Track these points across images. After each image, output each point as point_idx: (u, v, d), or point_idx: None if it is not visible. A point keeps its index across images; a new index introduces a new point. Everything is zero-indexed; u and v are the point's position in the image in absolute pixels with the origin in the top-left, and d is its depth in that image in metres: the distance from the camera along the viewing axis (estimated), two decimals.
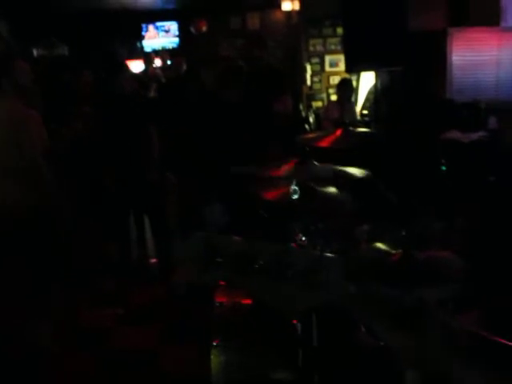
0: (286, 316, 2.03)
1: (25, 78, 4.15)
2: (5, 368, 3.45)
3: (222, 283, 2.29)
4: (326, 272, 1.11)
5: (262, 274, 1.04)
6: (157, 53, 9.97)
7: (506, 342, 1.19)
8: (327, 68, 10.12)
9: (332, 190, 2.52)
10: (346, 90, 6.52)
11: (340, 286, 1.08)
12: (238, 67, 5.03)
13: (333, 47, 9.98)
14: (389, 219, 2.52)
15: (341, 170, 2.65)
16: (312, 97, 10.10)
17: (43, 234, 4.18)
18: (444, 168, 4.16)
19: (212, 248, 1.08)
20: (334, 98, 9.07)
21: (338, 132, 3.19)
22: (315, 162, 2.60)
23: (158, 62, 9.30)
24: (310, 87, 10.12)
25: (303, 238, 2.33)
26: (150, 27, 10.55)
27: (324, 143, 3.12)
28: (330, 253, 1.83)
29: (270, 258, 1.06)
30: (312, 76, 10.12)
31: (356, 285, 1.25)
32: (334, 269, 1.16)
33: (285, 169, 2.56)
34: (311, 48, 10.12)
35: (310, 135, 4.10)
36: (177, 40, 10.54)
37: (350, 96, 6.75)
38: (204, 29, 10.13)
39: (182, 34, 10.46)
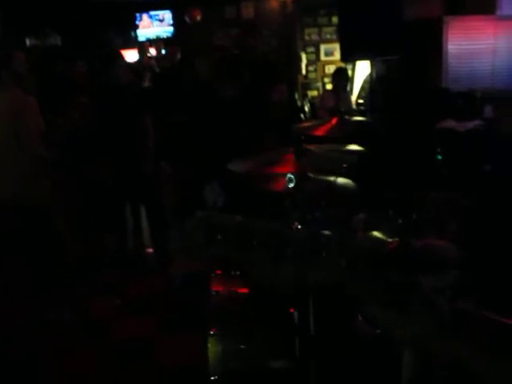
0: (284, 294, 2.02)
1: (22, 67, 4.17)
2: (6, 364, 3.47)
3: (219, 272, 2.29)
4: (323, 251, 1.12)
5: (262, 252, 1.04)
6: (151, 42, 9.90)
7: (497, 319, 1.19)
8: (322, 57, 10.09)
9: (328, 178, 2.51)
10: (342, 79, 6.50)
11: (336, 265, 1.09)
12: (234, 56, 5.00)
13: (328, 36, 9.95)
14: (386, 207, 2.51)
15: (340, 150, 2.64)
16: (307, 86, 10.08)
17: (42, 226, 4.18)
18: (440, 157, 4.16)
19: (212, 226, 1.08)
20: (329, 87, 9.05)
21: (334, 121, 3.19)
22: (312, 148, 2.56)
23: (152, 52, 9.24)
24: (306, 76, 10.10)
25: (299, 227, 2.33)
26: (144, 16, 10.47)
27: (319, 132, 3.12)
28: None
29: (270, 237, 1.06)
30: (307, 65, 10.09)
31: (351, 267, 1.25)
32: (330, 248, 1.16)
33: (287, 163, 2.53)
34: (306, 37, 10.08)
35: (306, 124, 4.09)
36: (171, 29, 10.47)
37: (346, 85, 6.73)
38: (198, 18, 10.06)
39: (177, 23, 10.38)
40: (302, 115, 7.88)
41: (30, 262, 4.20)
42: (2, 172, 4.10)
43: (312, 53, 10.09)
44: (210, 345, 2.14)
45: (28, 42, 9.10)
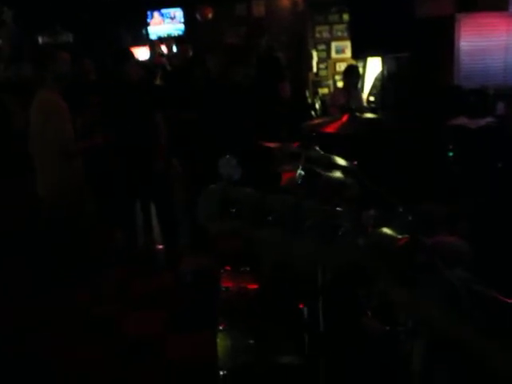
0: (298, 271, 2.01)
1: (66, 68, 4.19)
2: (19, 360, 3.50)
3: (228, 268, 2.30)
4: (340, 225, 1.11)
5: (277, 226, 1.04)
6: (162, 40, 9.92)
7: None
8: (333, 55, 10.06)
9: (336, 174, 2.51)
10: (353, 76, 6.47)
11: (353, 240, 1.08)
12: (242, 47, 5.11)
13: (339, 34, 9.91)
14: (396, 203, 2.50)
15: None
16: (318, 83, 10.05)
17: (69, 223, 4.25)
18: (451, 154, 4.14)
19: (226, 199, 1.08)
20: (340, 84, 9.02)
21: (345, 118, 3.18)
22: (317, 148, 2.59)
23: (163, 49, 9.26)
24: (317, 74, 10.07)
25: None
26: (155, 14, 10.48)
27: (330, 129, 3.11)
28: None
29: (285, 210, 1.06)
30: (318, 63, 10.06)
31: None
32: (347, 223, 1.15)
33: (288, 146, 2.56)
34: (317, 35, 10.05)
35: (317, 121, 4.08)
36: (182, 27, 10.48)
37: (357, 83, 6.70)
38: (210, 16, 10.06)
39: (188, 21, 10.39)
40: (313, 112, 7.87)
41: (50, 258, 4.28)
42: (38, 171, 4.21)
43: (323, 50, 10.06)
44: (219, 340, 2.14)
45: (40, 40, 9.15)
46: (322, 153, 2.62)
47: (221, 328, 2.16)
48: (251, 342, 2.10)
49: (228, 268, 2.37)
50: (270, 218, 1.03)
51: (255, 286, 2.25)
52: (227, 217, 1.06)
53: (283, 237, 1.03)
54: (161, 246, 5.12)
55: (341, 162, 2.61)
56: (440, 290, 1.10)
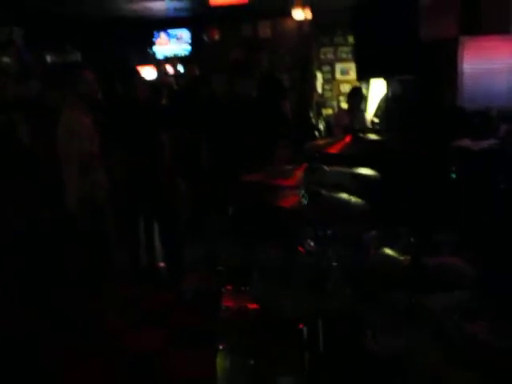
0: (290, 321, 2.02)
1: (87, 88, 4.22)
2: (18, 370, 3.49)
3: (229, 287, 2.30)
4: (330, 280, 1.12)
5: (266, 282, 1.05)
6: (168, 60, 10.01)
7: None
8: (338, 76, 10.15)
9: (340, 195, 2.51)
10: (357, 97, 6.51)
11: (344, 293, 1.09)
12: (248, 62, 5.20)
13: (344, 55, 10.02)
14: (398, 225, 2.51)
15: (351, 172, 2.65)
16: (322, 104, 10.13)
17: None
18: (454, 176, 4.14)
19: (215, 258, 1.10)
20: (344, 105, 9.08)
21: (348, 138, 3.19)
22: (325, 167, 2.61)
23: (169, 69, 9.35)
24: (321, 95, 10.14)
25: (311, 244, 2.34)
26: (162, 34, 10.60)
27: (333, 150, 3.12)
28: (338, 258, 1.82)
29: (275, 266, 1.07)
30: (323, 84, 10.15)
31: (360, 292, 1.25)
32: (338, 276, 1.16)
33: (295, 178, 2.57)
34: (322, 56, 10.16)
35: (320, 142, 4.10)
36: (188, 47, 10.58)
37: (361, 104, 6.74)
38: (216, 37, 10.18)
39: (194, 41, 10.50)
40: (317, 133, 7.91)
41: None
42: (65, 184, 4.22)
43: (328, 72, 10.15)
44: (218, 359, 2.13)
45: (49, 58, 9.24)
46: (328, 170, 2.63)
47: (220, 347, 2.16)
48: (251, 361, 2.09)
49: (229, 287, 2.37)
50: (256, 274, 1.04)
51: (255, 306, 2.24)
52: (217, 278, 1.08)
53: (271, 292, 1.04)
54: (162, 264, 5.12)
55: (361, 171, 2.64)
56: (432, 331, 1.11)
